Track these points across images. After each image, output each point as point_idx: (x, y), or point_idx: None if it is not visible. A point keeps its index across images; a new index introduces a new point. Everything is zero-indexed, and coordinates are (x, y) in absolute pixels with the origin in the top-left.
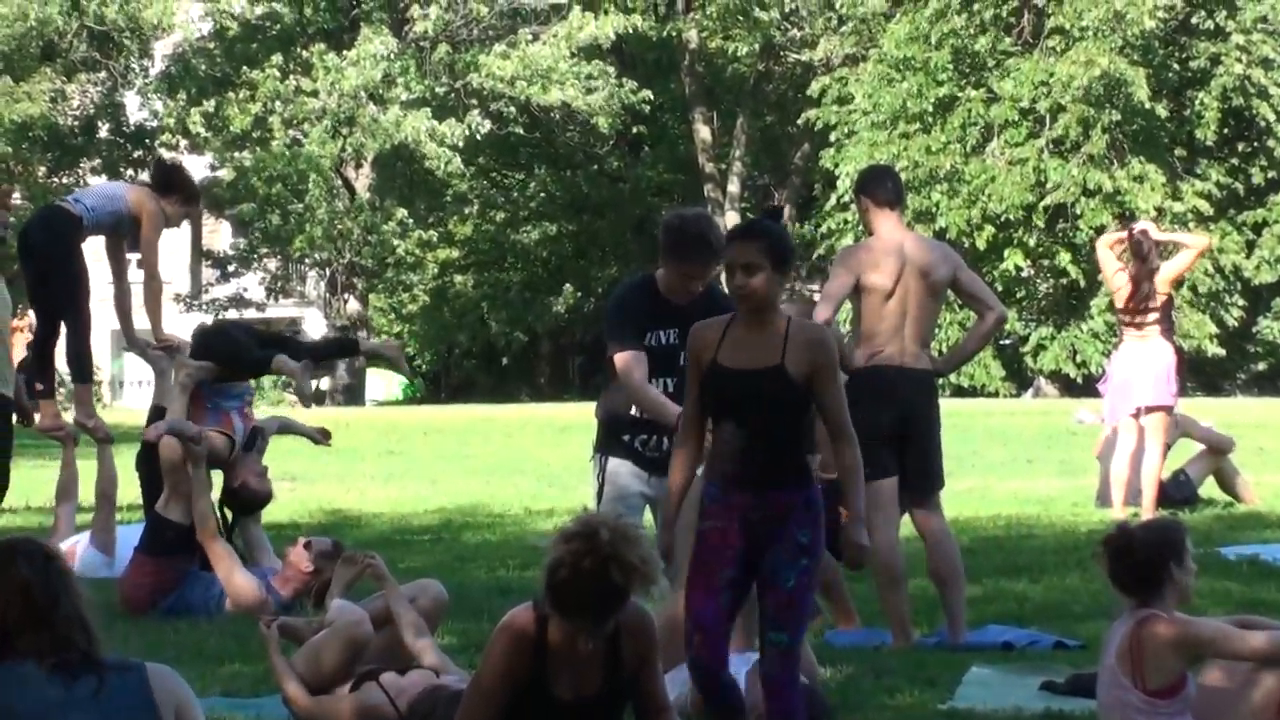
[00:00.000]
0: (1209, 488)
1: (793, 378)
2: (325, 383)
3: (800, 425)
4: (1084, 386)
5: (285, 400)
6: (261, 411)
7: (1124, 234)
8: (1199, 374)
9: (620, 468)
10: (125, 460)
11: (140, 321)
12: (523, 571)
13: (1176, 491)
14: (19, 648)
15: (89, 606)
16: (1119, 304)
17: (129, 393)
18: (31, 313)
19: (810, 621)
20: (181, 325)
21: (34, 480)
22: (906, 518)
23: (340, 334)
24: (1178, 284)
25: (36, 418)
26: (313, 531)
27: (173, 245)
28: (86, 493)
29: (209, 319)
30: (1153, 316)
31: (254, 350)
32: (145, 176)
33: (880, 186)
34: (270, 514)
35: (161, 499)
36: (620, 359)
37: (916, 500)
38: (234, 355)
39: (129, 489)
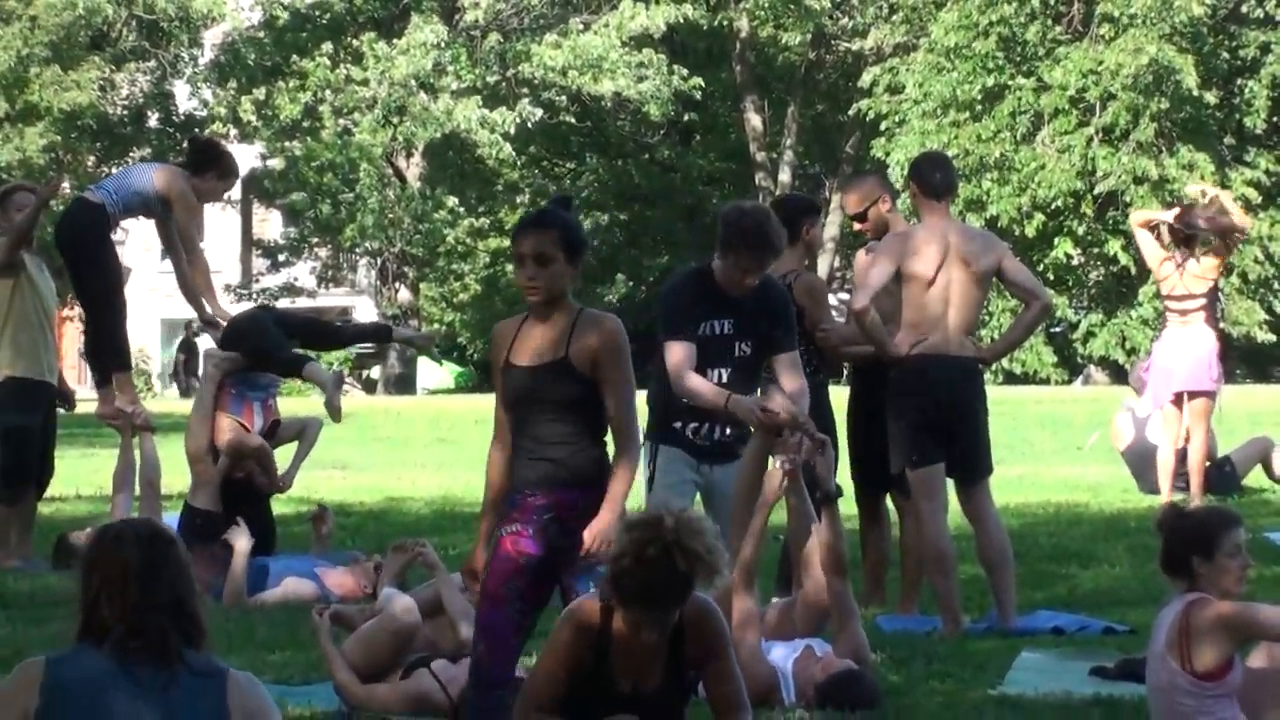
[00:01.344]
0: (1256, 476)
1: (578, 371)
2: (376, 371)
3: (591, 421)
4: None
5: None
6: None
7: (1156, 216)
8: (1250, 361)
9: (671, 454)
10: (173, 448)
11: (186, 307)
12: None
13: (1220, 479)
14: (103, 626)
15: (199, 600)
16: (1164, 291)
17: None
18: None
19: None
20: (231, 312)
21: (82, 469)
22: (956, 505)
23: (374, 322)
24: (1225, 271)
25: (91, 405)
26: (361, 519)
27: (223, 234)
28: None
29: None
30: (1197, 303)
31: (285, 351)
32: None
33: (930, 175)
34: (322, 500)
35: (190, 487)
36: (671, 349)
37: (965, 486)
38: (264, 354)
39: (176, 477)
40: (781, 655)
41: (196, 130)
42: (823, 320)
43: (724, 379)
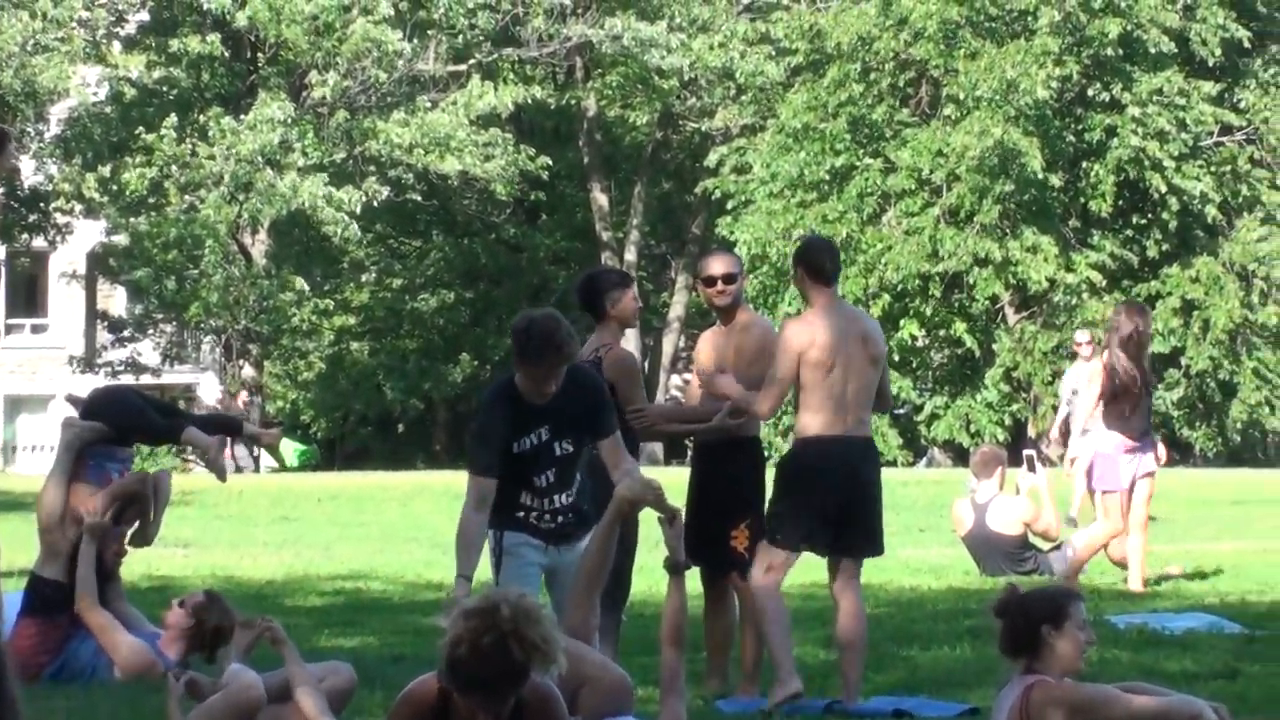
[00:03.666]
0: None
1: None
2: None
3: None
4: None
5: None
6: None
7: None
8: None
9: (516, 539)
10: (16, 526)
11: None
12: (416, 639)
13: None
14: None
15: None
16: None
17: (22, 458)
18: None
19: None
20: (77, 387)
21: None
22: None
23: (229, 414)
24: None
25: None
26: None
27: (68, 308)
28: None
29: (104, 383)
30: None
31: (157, 417)
32: (40, 242)
33: (822, 260)
34: (164, 580)
35: (38, 558)
36: (470, 481)
37: (849, 564)
38: (137, 419)
39: (19, 554)
40: None
41: (42, 205)
42: (634, 399)
43: (550, 479)
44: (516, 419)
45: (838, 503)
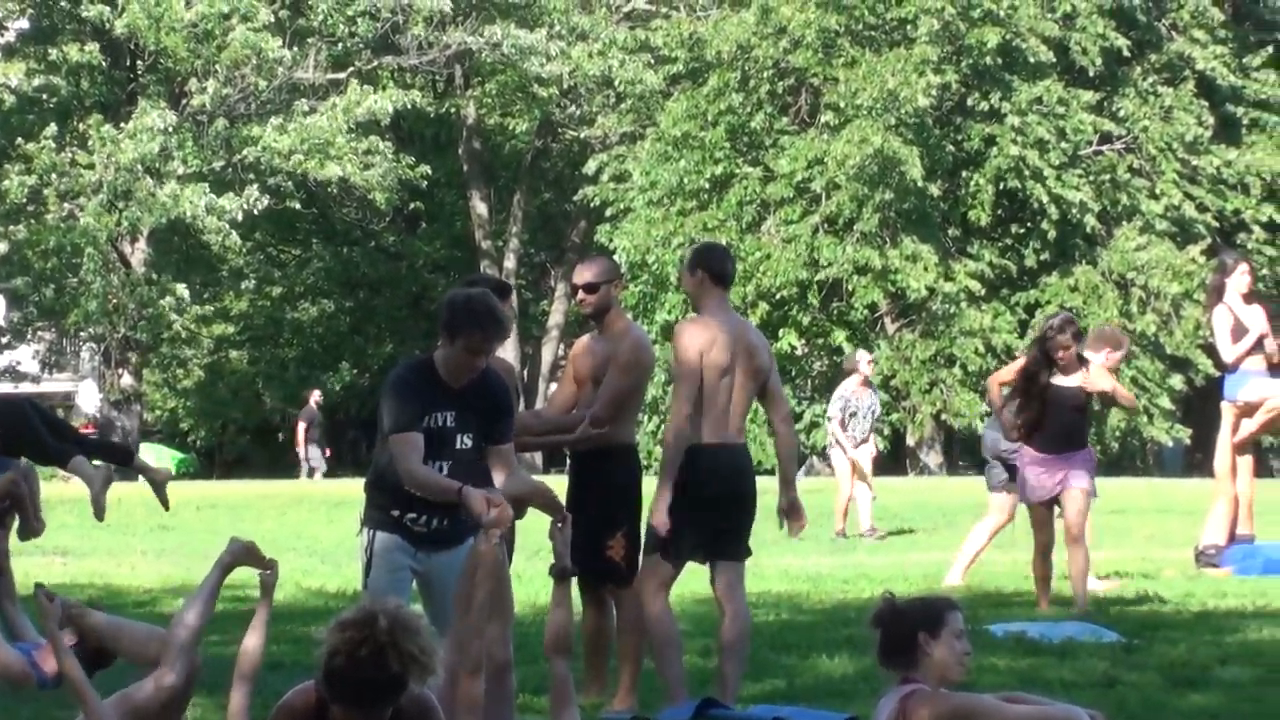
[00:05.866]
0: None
1: None
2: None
3: None
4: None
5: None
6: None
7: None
8: (972, 453)
9: (388, 542)
10: None
11: None
12: (294, 647)
13: None
14: None
15: None
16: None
17: None
18: None
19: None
20: None
21: None
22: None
23: (121, 442)
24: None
25: None
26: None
27: None
28: None
29: None
30: None
31: (49, 437)
32: None
33: (723, 264)
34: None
35: None
36: (398, 438)
37: (729, 566)
38: (27, 433)
39: None
40: None
41: None
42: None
43: (444, 471)
44: (430, 392)
45: (726, 511)
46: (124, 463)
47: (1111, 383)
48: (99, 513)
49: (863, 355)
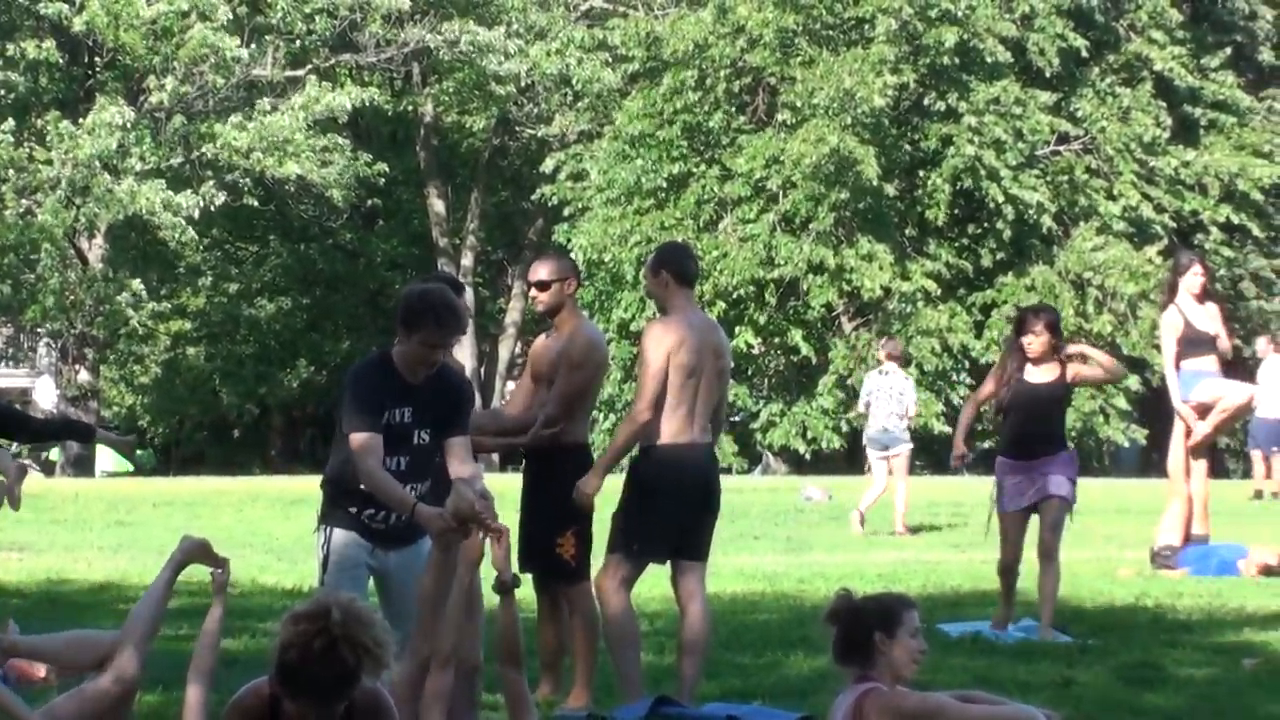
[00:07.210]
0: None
1: None
2: (55, 453)
3: None
4: (813, 463)
5: None
6: None
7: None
8: (927, 453)
9: (345, 539)
10: None
11: None
12: (250, 641)
13: None
14: None
15: None
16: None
17: None
18: None
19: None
20: None
21: None
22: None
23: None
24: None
25: None
26: (37, 602)
27: None
28: None
29: None
30: None
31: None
32: None
33: (688, 264)
34: None
35: None
36: (358, 440)
37: (691, 565)
38: None
39: None
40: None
41: None
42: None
43: (402, 466)
44: (388, 387)
45: (692, 511)
46: (88, 439)
47: (1093, 359)
48: (14, 504)
49: (883, 342)
